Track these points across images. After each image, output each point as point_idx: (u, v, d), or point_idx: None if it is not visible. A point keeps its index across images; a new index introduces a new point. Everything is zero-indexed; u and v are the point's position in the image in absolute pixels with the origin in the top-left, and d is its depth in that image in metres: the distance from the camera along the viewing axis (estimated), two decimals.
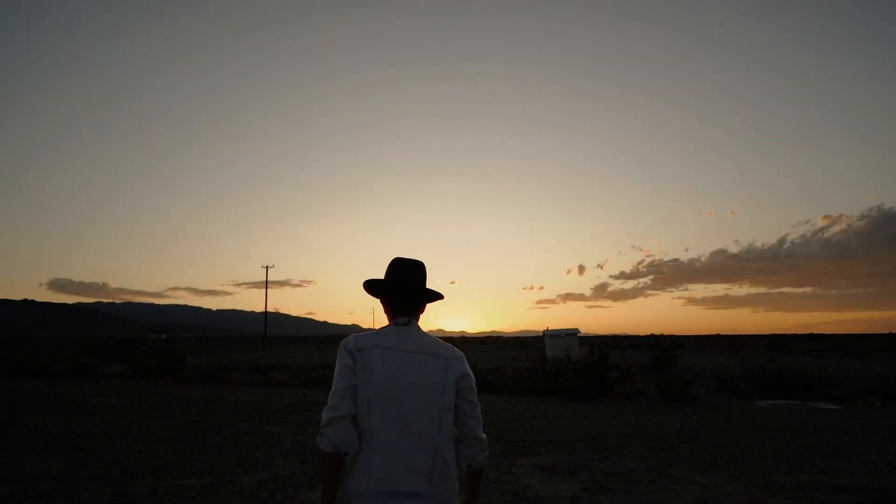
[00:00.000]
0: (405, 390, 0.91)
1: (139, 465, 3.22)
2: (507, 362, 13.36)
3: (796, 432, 4.36)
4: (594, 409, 5.99)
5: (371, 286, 1.02)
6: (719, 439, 4.08)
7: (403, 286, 1.00)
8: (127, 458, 3.40)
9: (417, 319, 1.02)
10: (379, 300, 1.05)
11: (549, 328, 12.00)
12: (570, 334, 11.29)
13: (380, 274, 1.04)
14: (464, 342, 45.85)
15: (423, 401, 0.92)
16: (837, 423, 4.81)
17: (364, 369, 0.92)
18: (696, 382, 7.89)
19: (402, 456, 0.89)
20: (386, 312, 1.03)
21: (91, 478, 2.91)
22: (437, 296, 1.05)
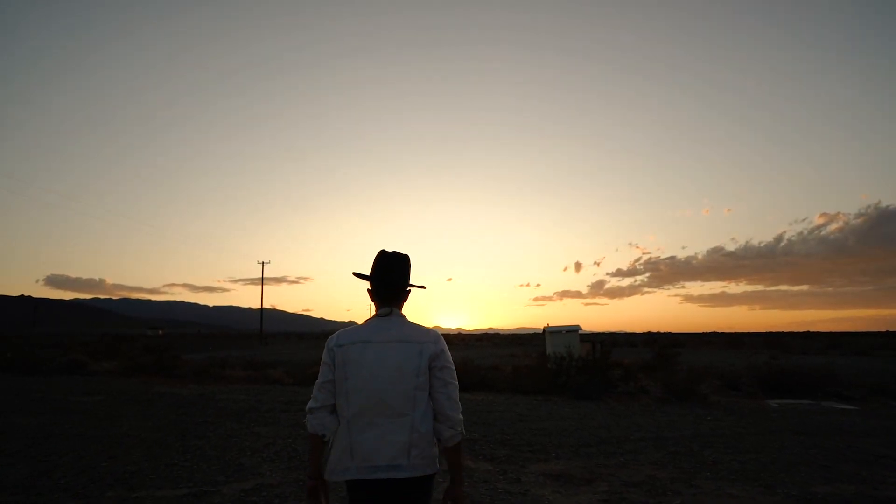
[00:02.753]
0: (383, 377, 1.00)
1: (111, 471, 2.93)
2: (506, 360, 13.10)
3: (820, 435, 4.09)
4: (600, 409, 5.72)
5: (358, 275, 1.12)
6: (740, 443, 3.80)
7: (384, 280, 1.08)
8: (99, 463, 3.11)
9: (400, 307, 1.10)
10: (367, 289, 1.13)
11: (550, 325, 11.74)
12: (572, 331, 11.02)
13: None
14: (460, 339, 45.62)
15: (400, 384, 1.00)
16: (861, 426, 4.55)
17: (344, 364, 1.02)
18: (703, 381, 7.65)
19: (382, 435, 0.99)
20: (372, 300, 1.11)
21: (54, 488, 2.62)
22: (418, 287, 1.14)
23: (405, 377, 1.01)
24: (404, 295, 1.11)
